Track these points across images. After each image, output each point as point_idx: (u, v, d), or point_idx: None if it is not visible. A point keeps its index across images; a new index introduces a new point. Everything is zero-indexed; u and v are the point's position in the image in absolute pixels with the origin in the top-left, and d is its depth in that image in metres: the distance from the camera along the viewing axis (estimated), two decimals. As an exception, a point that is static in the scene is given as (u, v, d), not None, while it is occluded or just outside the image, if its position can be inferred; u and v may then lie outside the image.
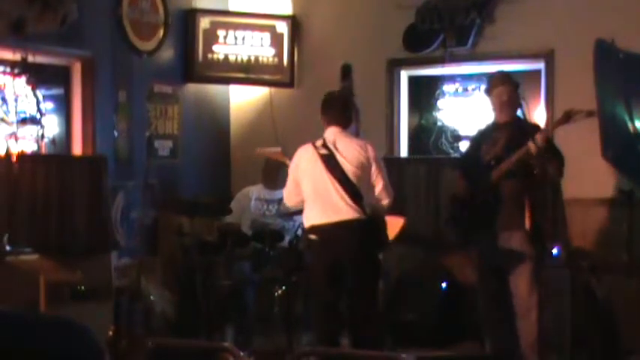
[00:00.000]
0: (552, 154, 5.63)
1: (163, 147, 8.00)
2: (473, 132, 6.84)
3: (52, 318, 1.72)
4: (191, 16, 8.30)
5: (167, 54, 8.11)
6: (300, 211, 6.83)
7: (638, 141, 6.96)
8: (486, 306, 5.87)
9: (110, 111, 7.46)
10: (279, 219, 7.40)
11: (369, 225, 5.81)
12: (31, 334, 1.64)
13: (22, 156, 6.51)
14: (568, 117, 5.59)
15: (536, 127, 5.82)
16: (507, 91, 5.83)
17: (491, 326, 5.88)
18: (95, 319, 5.87)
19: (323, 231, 5.81)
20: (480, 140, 6.04)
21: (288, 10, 8.57)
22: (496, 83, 5.91)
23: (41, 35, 6.71)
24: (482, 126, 6.27)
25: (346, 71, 8.20)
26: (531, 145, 5.49)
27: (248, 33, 8.47)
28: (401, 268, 7.58)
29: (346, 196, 5.77)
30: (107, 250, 7.08)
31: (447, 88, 7.80)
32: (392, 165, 7.91)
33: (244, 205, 7.62)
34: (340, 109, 6.07)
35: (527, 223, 5.52)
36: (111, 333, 5.95)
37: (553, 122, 5.59)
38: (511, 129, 5.76)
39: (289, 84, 8.53)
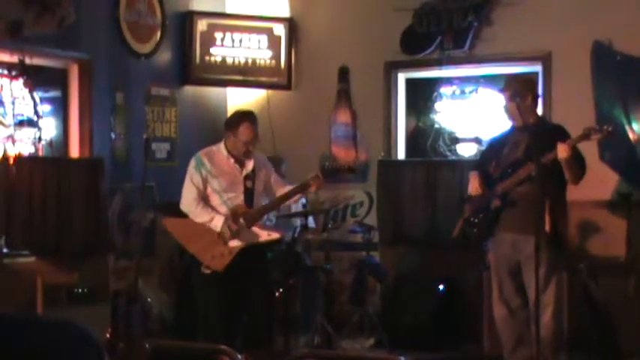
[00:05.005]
0: (570, 167, 5.40)
1: (161, 149, 7.99)
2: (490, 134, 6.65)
3: (52, 319, 1.71)
4: (188, 18, 8.30)
5: (164, 56, 8.10)
6: (299, 213, 6.84)
7: (636, 143, 6.97)
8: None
9: (107, 113, 7.45)
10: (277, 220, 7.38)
11: None
12: (32, 336, 1.63)
13: (19, 158, 6.50)
14: (587, 135, 5.34)
15: (558, 130, 5.58)
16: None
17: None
18: (92, 321, 5.85)
19: None
20: (502, 142, 5.82)
21: (286, 13, 8.57)
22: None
23: (39, 37, 6.71)
24: (506, 128, 5.97)
25: (343, 73, 8.21)
26: (529, 168, 5.37)
27: (245, 35, 8.47)
28: (398, 269, 7.58)
29: None
30: (104, 252, 7.09)
31: (445, 90, 7.79)
32: (389, 167, 7.93)
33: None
34: None
35: (548, 227, 5.35)
36: (108, 335, 5.94)
37: (571, 139, 5.39)
38: (533, 132, 5.52)
39: (287, 86, 8.52)
